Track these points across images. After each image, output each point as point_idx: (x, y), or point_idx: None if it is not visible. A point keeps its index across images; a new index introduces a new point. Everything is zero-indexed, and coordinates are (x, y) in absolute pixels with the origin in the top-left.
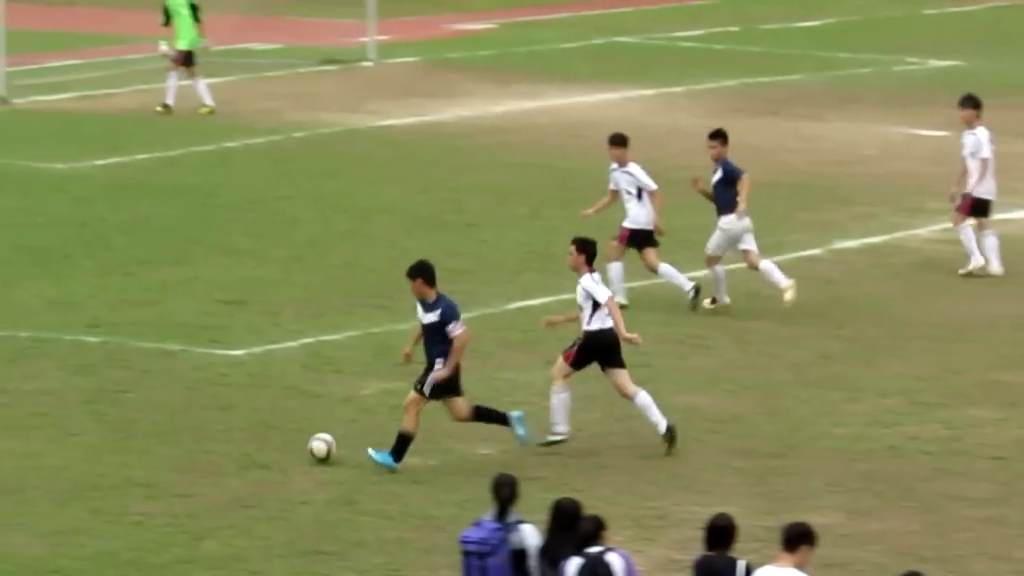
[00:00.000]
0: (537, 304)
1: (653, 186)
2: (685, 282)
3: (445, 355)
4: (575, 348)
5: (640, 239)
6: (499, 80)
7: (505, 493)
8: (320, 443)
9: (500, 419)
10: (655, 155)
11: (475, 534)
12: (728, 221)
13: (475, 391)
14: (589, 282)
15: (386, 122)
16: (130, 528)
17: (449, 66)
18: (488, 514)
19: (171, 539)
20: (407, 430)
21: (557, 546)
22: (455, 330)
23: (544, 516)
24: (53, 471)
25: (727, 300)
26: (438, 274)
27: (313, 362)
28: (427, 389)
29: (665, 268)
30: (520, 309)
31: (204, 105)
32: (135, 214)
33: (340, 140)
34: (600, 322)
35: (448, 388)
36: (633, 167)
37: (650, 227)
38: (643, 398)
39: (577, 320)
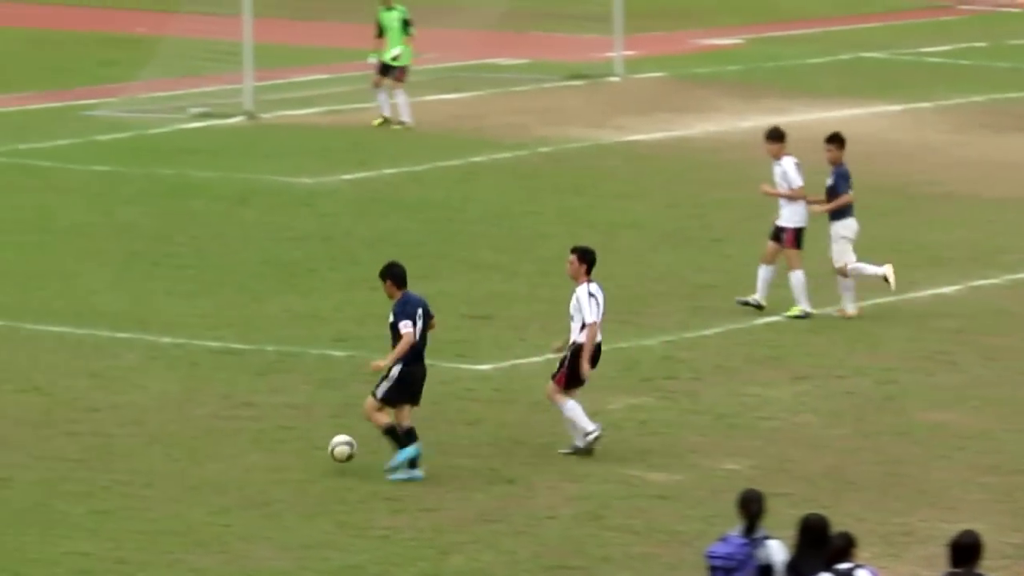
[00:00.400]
0: (784, 321)
1: (798, 183)
2: (763, 291)
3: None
4: (564, 368)
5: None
6: (746, 95)
7: (754, 508)
8: (344, 447)
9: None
10: (902, 171)
11: (722, 549)
12: (843, 226)
13: (722, 406)
14: (584, 294)
15: (632, 137)
16: (376, 542)
17: (696, 81)
18: (735, 529)
19: (417, 553)
20: (385, 424)
21: (804, 562)
22: (403, 328)
23: (791, 532)
24: (299, 485)
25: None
26: (684, 289)
27: None
28: (378, 393)
29: (767, 271)
30: (768, 324)
31: (381, 117)
32: (381, 229)
33: (586, 155)
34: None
35: (405, 393)
36: (786, 161)
37: (801, 225)
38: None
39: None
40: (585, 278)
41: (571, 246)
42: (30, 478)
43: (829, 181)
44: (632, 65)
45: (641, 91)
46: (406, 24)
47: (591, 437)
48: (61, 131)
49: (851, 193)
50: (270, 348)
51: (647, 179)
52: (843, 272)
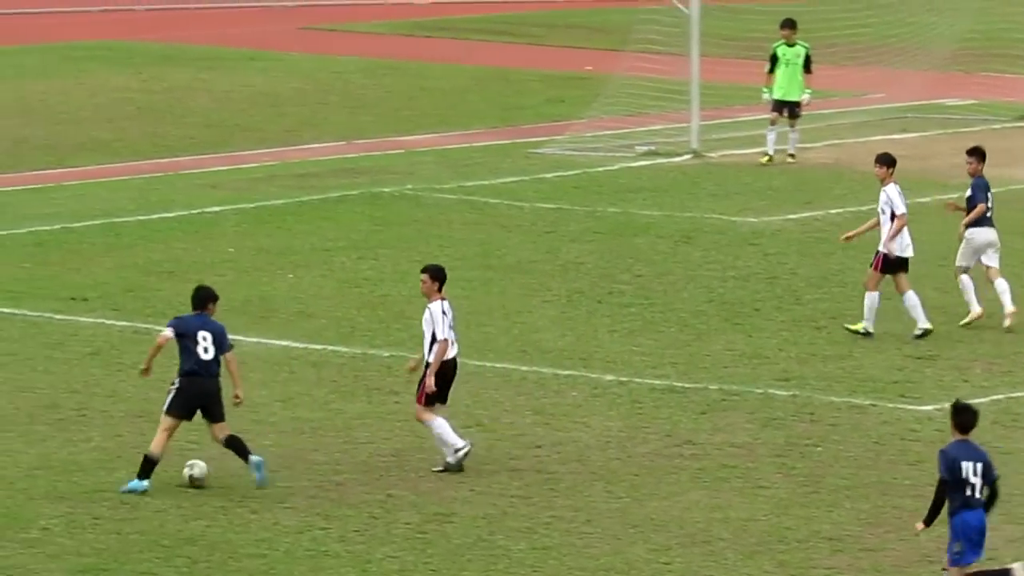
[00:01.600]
0: None
1: (902, 210)
2: (922, 319)
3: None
4: (423, 388)
5: (894, 265)
6: None
7: None
8: (198, 470)
9: (243, 456)
10: None
11: None
12: (971, 232)
13: None
14: (438, 310)
15: None
16: None
17: None
18: None
19: None
20: (152, 453)
21: None
22: (161, 333)
23: None
24: (740, 523)
25: (978, 309)
26: None
27: (1002, 419)
28: (164, 407)
29: (910, 297)
30: None
31: (766, 155)
32: (826, 268)
33: None
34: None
35: (185, 406)
36: (891, 188)
37: (904, 255)
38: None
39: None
40: (438, 296)
41: None
42: (472, 513)
43: (968, 192)
44: None
45: None
46: (808, 61)
47: (461, 453)
48: (507, 168)
49: (986, 204)
50: (713, 387)
51: None
52: (956, 273)
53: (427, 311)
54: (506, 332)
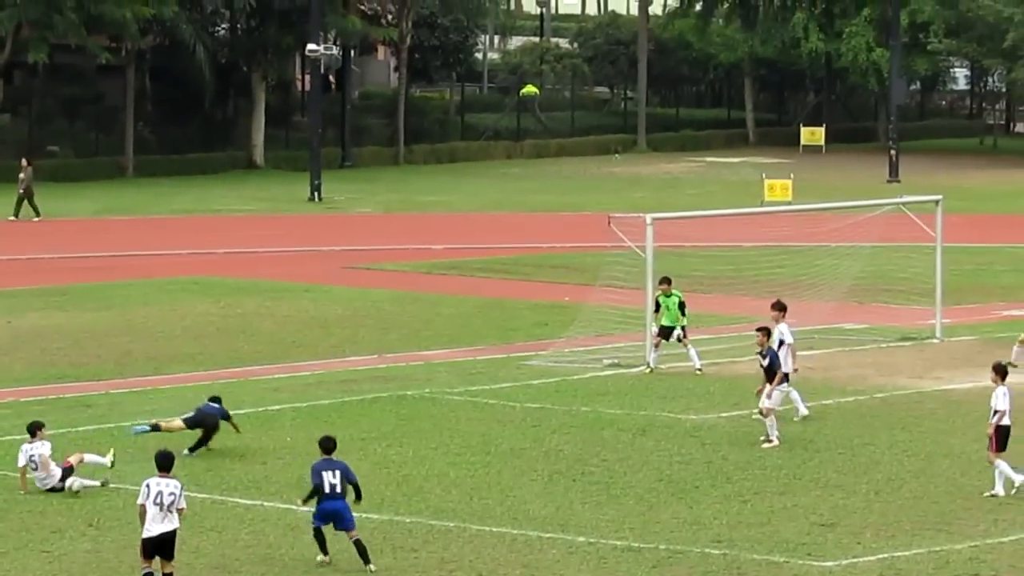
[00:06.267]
0: None
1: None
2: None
3: None
4: None
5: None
6: None
7: None
8: None
9: None
10: None
11: None
12: None
13: None
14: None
15: (948, 386)
16: None
17: (1000, 343)
18: None
19: None
20: None
21: None
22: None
23: None
24: None
25: None
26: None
27: (887, 573)
28: None
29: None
30: None
31: (649, 366)
32: (750, 456)
33: (912, 400)
34: None
35: None
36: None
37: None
38: None
39: None
40: None
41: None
42: None
43: None
44: (949, 330)
45: (956, 350)
46: (682, 305)
47: None
48: (503, 376)
49: None
50: (662, 546)
51: (959, 419)
52: None
53: None
54: (501, 503)
